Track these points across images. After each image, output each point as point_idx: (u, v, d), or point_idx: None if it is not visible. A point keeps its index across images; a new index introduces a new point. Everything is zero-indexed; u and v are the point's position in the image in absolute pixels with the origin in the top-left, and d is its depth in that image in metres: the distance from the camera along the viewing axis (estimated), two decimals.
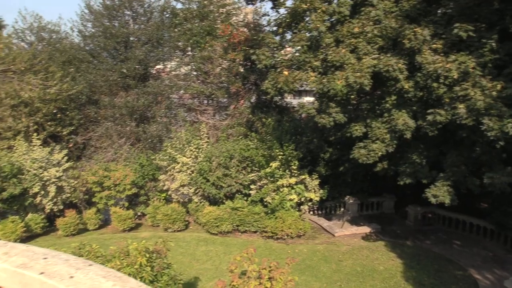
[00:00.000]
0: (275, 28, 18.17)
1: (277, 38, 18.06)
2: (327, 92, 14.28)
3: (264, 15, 25.84)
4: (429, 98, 13.89)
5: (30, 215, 18.46)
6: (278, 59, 16.55)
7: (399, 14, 14.72)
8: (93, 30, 24.48)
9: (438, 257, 16.48)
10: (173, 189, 19.54)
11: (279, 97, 24.12)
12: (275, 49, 17.98)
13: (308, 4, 15.83)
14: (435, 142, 15.29)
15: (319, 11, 15.68)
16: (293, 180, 18.34)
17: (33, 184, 17.95)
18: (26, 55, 21.43)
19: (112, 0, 24.53)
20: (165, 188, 19.81)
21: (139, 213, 20.41)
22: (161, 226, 19.03)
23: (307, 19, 16.44)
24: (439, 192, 13.57)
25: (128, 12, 24.90)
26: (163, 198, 20.13)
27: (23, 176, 17.91)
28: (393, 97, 14.72)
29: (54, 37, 25.16)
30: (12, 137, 19.62)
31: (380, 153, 14.59)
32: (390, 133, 14.50)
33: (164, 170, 19.84)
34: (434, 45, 13.43)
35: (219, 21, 25.35)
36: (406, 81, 13.98)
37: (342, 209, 21.29)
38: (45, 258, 3.29)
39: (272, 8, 19.08)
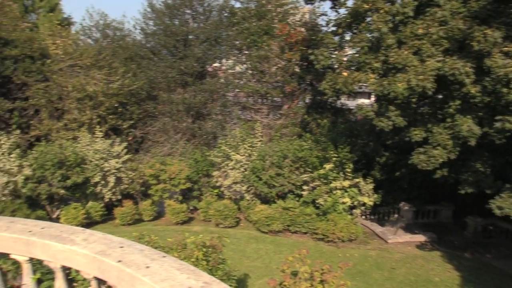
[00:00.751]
0: (334, 28, 17.91)
1: (336, 38, 17.80)
2: (387, 94, 13.88)
3: (322, 14, 25.59)
4: (498, 104, 13.13)
5: (90, 203, 19.37)
6: (337, 60, 16.30)
7: (467, 15, 14.02)
8: (154, 28, 25.33)
9: (499, 272, 15.59)
10: (225, 186, 19.80)
11: (334, 98, 23.80)
12: (333, 49, 17.73)
13: (370, 4, 15.46)
14: (501, 151, 14.46)
15: (381, 11, 15.26)
16: (346, 183, 18.03)
17: (95, 174, 18.80)
18: (92, 51, 22.51)
19: None
20: (218, 184, 20.11)
21: (191, 207, 20.85)
22: (213, 221, 19.35)
23: (369, 19, 16.07)
24: (505, 204, 12.80)
25: (188, 11, 25.51)
26: (216, 194, 20.44)
27: (86, 166, 18.80)
28: (457, 102, 14.05)
29: (118, 34, 26.27)
30: (77, 129, 20.66)
31: (441, 160, 13.99)
32: (452, 139, 13.87)
33: (217, 167, 20.15)
34: (506, 48, 12.68)
35: (276, 21, 25.36)
36: (473, 86, 13.29)
37: (396, 215, 20.67)
38: (121, 247, 3.43)
39: (331, 8, 18.82)
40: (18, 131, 18.84)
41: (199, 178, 20.43)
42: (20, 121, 20.00)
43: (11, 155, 17.68)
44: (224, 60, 26.06)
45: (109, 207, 19.84)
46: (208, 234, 13.13)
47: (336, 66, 18.03)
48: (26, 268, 3.75)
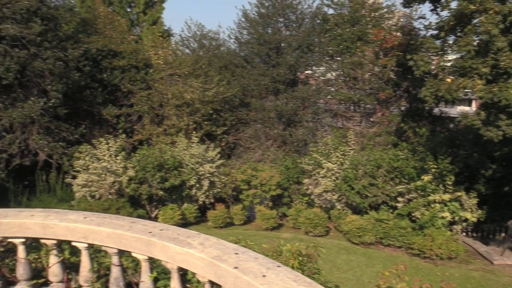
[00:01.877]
0: (435, 32, 16.94)
1: (438, 42, 16.81)
2: (497, 102, 12.76)
3: (420, 18, 24.34)
4: None
5: (185, 205, 20.27)
6: (439, 65, 15.36)
7: None
8: (248, 37, 25.99)
9: None
10: (316, 194, 19.58)
11: (433, 106, 22.46)
12: (435, 54, 16.76)
13: (477, 5, 14.37)
14: None
15: (490, 12, 14.11)
16: (446, 197, 16.86)
17: (190, 177, 19.65)
18: (190, 60, 23.71)
19: (266, 8, 25.73)
20: (308, 192, 19.95)
21: (281, 214, 20.91)
22: (302, 229, 19.21)
23: (475, 21, 14.96)
24: None
25: (281, 19, 25.81)
26: (306, 201, 20.30)
27: (183, 169, 19.73)
28: None
29: (213, 44, 27.43)
30: (175, 134, 21.81)
31: None
32: None
33: (308, 174, 20.00)
34: None
35: (370, 26, 24.66)
36: None
37: (503, 234, 18.85)
38: (236, 254, 3.49)
39: (431, 10, 17.83)
40: (123, 135, 20.35)
41: (289, 185, 20.44)
42: (125, 126, 21.63)
43: (117, 157, 19.11)
44: (316, 67, 25.91)
45: (202, 210, 20.62)
46: (297, 242, 13.08)
47: (437, 72, 17.00)
48: (145, 266, 3.96)
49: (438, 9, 17.03)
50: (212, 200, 20.49)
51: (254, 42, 25.13)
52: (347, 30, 24.44)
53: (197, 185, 20.00)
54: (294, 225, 19.85)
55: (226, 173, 21.08)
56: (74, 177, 18.87)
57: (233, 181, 20.98)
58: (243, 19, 26.02)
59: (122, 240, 3.85)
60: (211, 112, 23.06)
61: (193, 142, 20.72)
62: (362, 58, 23.12)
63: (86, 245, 4.14)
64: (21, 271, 4.43)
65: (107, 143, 19.14)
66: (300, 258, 8.32)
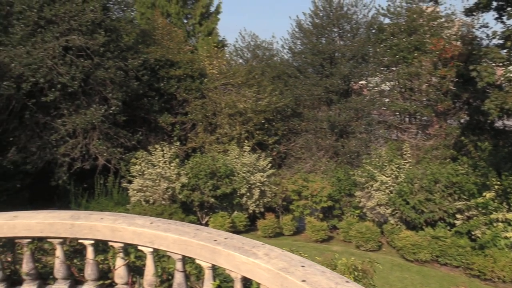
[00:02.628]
0: (500, 42, 16.15)
1: (503, 52, 16.00)
2: None
3: (482, 27, 23.30)
4: None
5: (235, 213, 20.41)
6: (505, 77, 14.60)
7: None
8: (301, 47, 25.97)
9: None
10: (368, 207, 19.09)
11: (496, 119, 21.32)
12: (499, 65, 15.95)
13: None
14: None
15: None
16: (511, 216, 15.89)
17: (241, 186, 19.79)
18: (243, 70, 24.00)
19: (321, 19, 25.63)
20: (360, 205, 19.50)
21: (331, 226, 20.56)
22: (353, 243, 18.77)
23: None
24: None
25: (335, 30, 25.60)
26: (357, 214, 19.85)
27: (234, 178, 19.91)
28: None
29: (267, 54, 27.65)
30: (227, 142, 22.09)
31: None
32: None
33: (361, 187, 19.56)
34: None
35: (428, 35, 23.88)
36: None
37: None
38: (303, 266, 3.44)
39: (496, 19, 16.99)
40: (178, 143, 20.86)
41: (341, 197, 20.08)
42: (179, 134, 22.18)
43: (172, 164, 19.59)
44: (370, 78, 25.43)
45: (252, 218, 20.67)
46: (349, 256, 12.76)
47: (501, 83, 16.19)
48: (208, 274, 4.00)
49: (504, 18, 16.22)
50: (262, 209, 20.50)
51: (307, 52, 25.07)
52: (404, 39, 23.80)
53: (248, 194, 20.09)
54: (344, 238, 19.44)
55: (276, 182, 21.05)
56: (130, 182, 19.56)
57: (284, 191, 20.89)
58: (297, 30, 26.09)
59: (188, 247, 3.91)
60: (263, 121, 23.16)
61: (245, 151, 20.88)
62: (419, 68, 22.41)
63: (151, 249, 4.25)
64: (89, 271, 4.61)
65: (162, 150, 19.71)
66: (356, 273, 8.13)
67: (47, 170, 20.00)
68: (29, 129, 19.52)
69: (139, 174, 19.37)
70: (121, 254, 4.47)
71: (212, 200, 19.64)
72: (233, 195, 20.09)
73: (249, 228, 20.60)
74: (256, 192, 20.10)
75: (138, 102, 21.56)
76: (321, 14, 25.59)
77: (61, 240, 4.59)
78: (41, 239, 4.65)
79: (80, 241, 4.54)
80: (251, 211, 20.41)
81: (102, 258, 4.70)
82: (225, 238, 3.86)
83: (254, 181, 20.13)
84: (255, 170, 20.50)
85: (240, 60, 27.59)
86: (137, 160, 19.45)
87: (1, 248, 4.80)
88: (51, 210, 4.90)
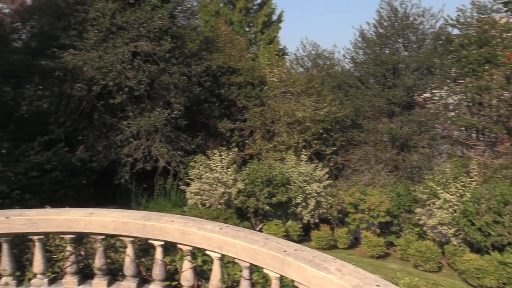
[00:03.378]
0: None
1: None
2: None
3: None
4: None
5: (290, 222, 20.26)
6: None
7: None
8: (364, 57, 25.49)
9: None
10: (429, 226, 18.25)
11: None
12: None
13: None
14: None
15: None
16: None
17: (297, 195, 19.63)
18: (303, 79, 23.90)
19: (385, 28, 25.03)
20: (420, 222, 18.70)
21: (387, 242, 19.87)
22: (411, 262, 18.01)
23: None
24: None
25: (400, 40, 24.88)
26: (417, 232, 19.04)
27: (290, 187, 19.80)
28: None
29: (327, 63, 27.39)
30: (285, 151, 22.03)
31: None
32: None
33: (422, 204, 18.77)
34: None
35: (501, 47, 22.61)
36: None
37: None
38: (378, 286, 3.31)
39: None
40: (236, 149, 21.09)
41: (399, 213, 19.37)
42: (238, 140, 22.43)
43: (229, 169, 19.82)
44: (435, 90, 24.43)
45: (305, 228, 20.42)
46: (406, 275, 12.21)
47: None
48: (275, 284, 3.95)
49: None
50: (317, 220, 20.21)
51: (370, 62, 24.55)
52: (474, 51, 22.68)
53: (303, 204, 19.89)
54: (402, 256, 18.70)
55: (333, 194, 20.68)
56: (188, 185, 20.01)
57: (340, 203, 20.49)
58: (359, 39, 25.65)
59: (257, 256, 3.89)
60: (321, 131, 22.92)
61: (302, 160, 20.73)
62: (490, 82, 21.23)
63: (219, 255, 4.27)
64: (157, 271, 4.71)
65: (220, 155, 20.00)
66: None
67: (110, 168, 20.92)
68: (97, 129, 20.54)
69: (197, 178, 19.76)
70: (188, 257, 4.53)
71: (267, 207, 19.63)
72: (288, 204, 19.98)
73: (302, 238, 20.35)
74: (312, 203, 19.86)
75: (199, 107, 22.06)
76: (385, 24, 24.99)
77: (132, 239, 4.73)
78: (113, 236, 4.82)
79: (150, 241, 4.66)
80: (306, 221, 20.18)
81: (170, 260, 4.79)
82: (295, 250, 3.80)
83: (310, 191, 19.90)
84: (311, 180, 20.28)
85: (300, 69, 27.54)
86: (196, 164, 19.85)
87: (76, 242, 5.03)
88: (121, 209, 5.08)
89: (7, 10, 30.38)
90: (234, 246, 4.03)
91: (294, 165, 20.66)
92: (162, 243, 4.60)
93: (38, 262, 4.93)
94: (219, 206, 19.76)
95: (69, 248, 4.94)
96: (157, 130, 20.06)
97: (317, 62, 27.47)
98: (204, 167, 19.95)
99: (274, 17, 33.92)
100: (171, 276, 4.81)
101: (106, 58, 19.03)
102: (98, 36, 19.49)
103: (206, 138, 22.47)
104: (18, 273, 5.06)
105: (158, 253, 4.66)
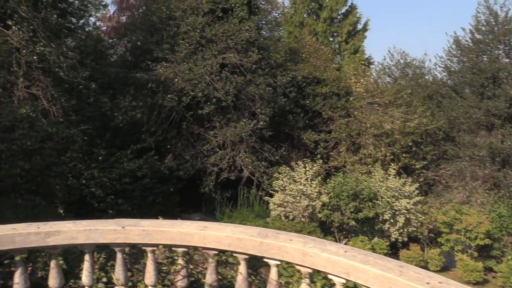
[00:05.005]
0: None
1: None
2: None
3: None
4: None
5: (376, 239, 19.30)
6: None
7: None
8: (458, 66, 23.86)
9: None
10: None
11: None
12: None
13: None
14: None
15: None
16: None
17: (385, 211, 18.67)
18: (392, 89, 22.87)
19: (483, 34, 23.27)
20: None
21: (486, 267, 18.20)
22: None
23: None
24: None
25: (501, 46, 22.96)
26: None
27: (377, 202, 18.90)
28: None
29: (417, 72, 26.03)
30: (371, 164, 21.14)
31: None
32: None
33: None
34: None
35: None
36: None
37: None
38: None
39: None
40: (320, 161, 20.61)
41: (501, 236, 17.68)
42: (322, 152, 21.94)
43: (313, 182, 19.37)
44: None
45: (392, 246, 19.35)
46: None
47: None
48: None
49: None
50: (405, 239, 19.07)
51: (466, 70, 22.87)
52: None
53: (392, 220, 18.87)
54: (504, 284, 16.97)
55: (423, 211, 19.42)
56: (271, 196, 19.85)
57: (431, 222, 19.19)
58: (453, 46, 24.04)
59: (392, 286, 3.48)
60: (410, 144, 21.74)
61: (390, 174, 19.74)
62: None
63: (344, 281, 3.92)
64: None
65: (305, 167, 19.62)
66: None
67: (195, 177, 21.42)
68: (185, 138, 21.17)
69: (281, 189, 19.54)
70: (307, 280, 4.23)
71: (353, 222, 18.87)
72: (374, 219, 19.06)
73: (389, 257, 19.26)
74: (401, 220, 18.76)
75: (283, 118, 21.95)
76: (483, 29, 23.23)
77: (246, 256, 4.54)
78: (226, 252, 4.67)
79: (265, 259, 4.43)
80: (394, 239, 19.12)
81: (286, 281, 4.53)
82: (440, 282, 3.34)
83: (399, 207, 18.84)
84: (400, 196, 19.20)
85: (388, 79, 26.45)
86: (280, 175, 19.66)
87: (187, 256, 4.94)
88: (234, 224, 4.93)
89: (104, 28, 32.73)
90: (364, 273, 3.66)
91: (381, 179, 19.72)
92: (278, 263, 4.35)
93: (150, 274, 4.90)
94: (302, 219, 19.35)
95: (180, 261, 4.86)
96: (242, 140, 20.20)
97: (406, 71, 26.22)
98: (288, 178, 19.69)
99: (359, 26, 33.11)
100: None
101: (196, 70, 19.59)
102: (189, 49, 20.15)
103: (289, 149, 22.27)
104: (130, 284, 5.08)
105: (273, 273, 4.41)
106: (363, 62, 26.83)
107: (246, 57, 19.99)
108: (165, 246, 4.94)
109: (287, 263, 4.34)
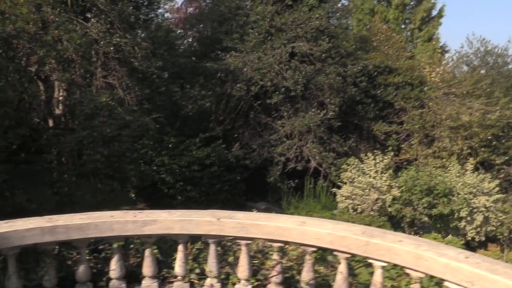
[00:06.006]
0: None
1: None
2: None
3: None
4: None
5: (449, 237, 18.32)
6: None
7: None
8: None
9: None
10: None
11: None
12: None
13: None
14: None
15: None
16: None
17: (461, 208, 17.64)
18: (471, 79, 21.45)
19: None
20: None
21: None
22: None
23: None
24: None
25: None
26: None
27: (453, 198, 17.89)
28: None
29: (499, 61, 24.22)
30: (446, 158, 20.04)
31: None
32: None
33: None
34: None
35: None
36: None
37: None
38: None
39: None
40: (391, 153, 19.83)
41: None
42: (393, 144, 21.09)
43: (384, 175, 18.68)
44: None
45: (466, 245, 18.27)
46: None
47: None
48: None
49: None
50: (483, 238, 17.93)
51: None
52: None
53: (468, 218, 17.80)
54: None
55: (504, 210, 18.11)
56: (339, 188, 19.42)
57: None
58: None
59: None
60: (490, 137, 20.31)
61: (467, 170, 18.59)
62: None
63: None
64: None
65: (375, 159, 18.97)
66: None
67: (261, 166, 21.41)
68: (252, 128, 21.19)
69: (349, 181, 19.05)
70: (417, 285, 3.94)
71: (426, 218, 18.02)
72: (449, 216, 18.07)
73: None
74: (479, 218, 17.64)
75: (352, 109, 21.33)
76: None
77: (348, 255, 4.32)
78: (326, 250, 4.47)
79: (369, 261, 4.19)
80: (469, 238, 18.04)
81: (392, 285, 4.26)
82: None
83: (477, 204, 17.71)
84: (478, 193, 18.03)
85: (465, 68, 24.83)
86: (348, 167, 19.17)
87: (280, 252, 4.80)
88: (333, 220, 4.72)
89: (172, 19, 33.47)
90: (494, 284, 3.31)
91: (458, 174, 18.62)
92: (385, 264, 4.09)
93: (243, 268, 4.82)
94: (371, 213, 18.78)
95: (275, 256, 4.73)
96: (310, 130, 19.88)
97: (486, 60, 24.45)
98: (357, 170, 19.15)
99: (434, 12, 31.32)
100: None
101: (265, 59, 19.45)
102: (258, 38, 20.04)
103: (358, 140, 21.62)
104: (222, 276, 5.03)
105: (378, 275, 4.16)
106: (438, 50, 25.35)
107: (316, 46, 19.55)
108: (259, 240, 4.84)
109: (394, 265, 4.07)
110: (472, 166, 18.81)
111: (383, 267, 4.10)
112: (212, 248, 4.94)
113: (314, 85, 19.88)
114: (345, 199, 19.11)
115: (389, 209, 18.57)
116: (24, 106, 16.51)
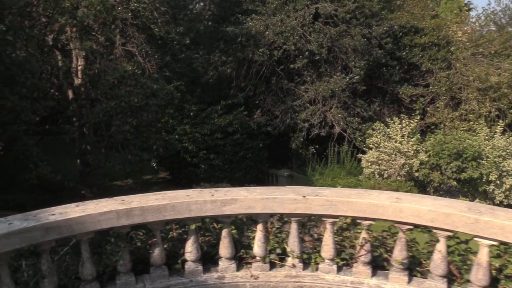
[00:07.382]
0: None
1: None
2: None
3: None
4: None
5: (477, 200, 18.19)
6: None
7: None
8: None
9: None
10: None
11: None
12: None
13: None
14: None
15: None
16: None
17: (490, 172, 17.38)
18: (500, 38, 20.71)
19: None
20: None
21: None
22: None
23: None
24: None
25: None
26: None
27: (482, 162, 17.61)
28: None
29: None
30: (473, 121, 19.63)
31: None
32: None
33: None
34: None
35: None
36: None
37: None
38: None
39: None
40: (418, 117, 19.42)
41: None
42: (420, 107, 20.64)
43: (411, 139, 18.36)
44: None
45: None
46: None
47: None
48: None
49: None
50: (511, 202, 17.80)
51: None
52: None
53: (497, 182, 17.57)
54: None
55: None
56: (364, 153, 19.16)
57: None
58: None
59: None
60: None
61: (496, 132, 18.22)
62: None
63: None
64: (480, 275, 4.00)
65: (400, 123, 18.59)
66: None
67: (283, 133, 21.12)
68: (274, 93, 20.76)
69: (375, 146, 18.77)
70: None
71: (454, 183, 17.84)
72: (477, 180, 17.86)
73: None
74: (508, 181, 17.41)
75: (376, 72, 20.75)
76: None
77: (449, 233, 4.08)
78: (425, 228, 4.23)
79: (477, 239, 3.95)
80: (498, 202, 17.88)
81: (502, 264, 4.04)
82: None
83: (507, 168, 17.44)
84: (508, 156, 17.73)
85: (493, 27, 23.93)
86: (374, 132, 18.84)
87: (369, 230, 4.55)
88: (431, 196, 4.44)
89: None
90: None
91: (486, 137, 18.26)
92: (494, 243, 3.85)
93: (328, 247, 4.60)
94: (398, 178, 18.58)
95: (364, 235, 4.50)
96: (334, 95, 19.44)
97: None
98: (383, 135, 18.82)
99: None
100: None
101: (287, 22, 18.79)
102: (280, 0, 19.26)
103: (381, 104, 21.17)
104: (305, 256, 4.83)
105: (485, 254, 3.94)
106: (464, 8, 24.35)
107: (340, 6, 18.80)
108: (344, 217, 4.60)
109: (505, 243, 3.83)
110: (501, 128, 18.43)
111: (489, 246, 3.88)
112: (294, 227, 4.71)
113: (338, 48, 19.27)
114: (371, 165, 18.87)
115: (416, 174, 18.37)
116: (46, 77, 16.10)
